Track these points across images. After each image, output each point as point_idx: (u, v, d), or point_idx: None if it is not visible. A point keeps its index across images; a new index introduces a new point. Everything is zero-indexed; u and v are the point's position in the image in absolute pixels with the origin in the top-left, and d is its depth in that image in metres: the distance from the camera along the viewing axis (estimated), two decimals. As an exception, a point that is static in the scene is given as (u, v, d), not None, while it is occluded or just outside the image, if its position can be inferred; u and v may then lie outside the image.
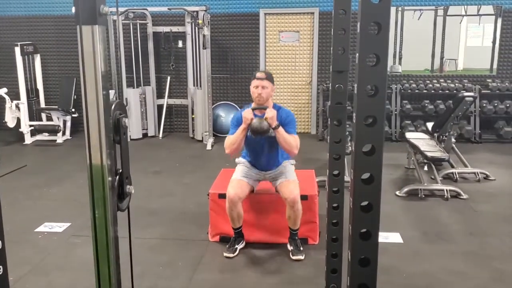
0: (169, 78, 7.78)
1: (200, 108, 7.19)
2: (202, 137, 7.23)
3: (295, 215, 3.51)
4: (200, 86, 7.19)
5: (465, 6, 8.01)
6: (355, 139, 1.29)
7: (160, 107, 7.77)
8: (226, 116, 7.77)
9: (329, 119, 2.22)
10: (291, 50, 7.73)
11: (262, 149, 3.62)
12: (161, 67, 7.82)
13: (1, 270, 1.43)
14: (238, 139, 3.49)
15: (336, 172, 2.23)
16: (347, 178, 3.64)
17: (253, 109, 3.53)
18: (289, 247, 3.62)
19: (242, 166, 3.72)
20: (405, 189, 4.88)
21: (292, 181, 3.56)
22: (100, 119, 1.04)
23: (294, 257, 3.53)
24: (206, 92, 7.02)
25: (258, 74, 3.55)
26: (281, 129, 3.42)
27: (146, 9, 7.33)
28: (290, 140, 3.44)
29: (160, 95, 7.85)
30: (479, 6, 7.62)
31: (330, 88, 2.19)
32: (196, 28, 7.03)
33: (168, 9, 7.17)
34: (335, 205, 2.27)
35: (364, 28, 1.23)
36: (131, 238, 1.33)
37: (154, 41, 7.58)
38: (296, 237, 3.63)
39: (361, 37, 1.23)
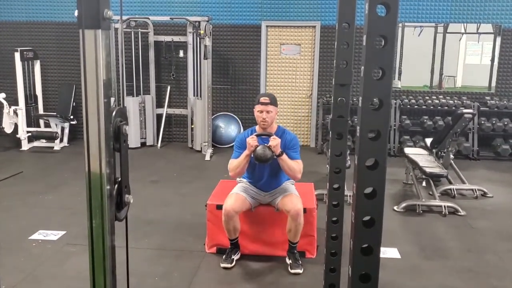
0: (169, 87, 7.78)
1: (199, 118, 7.18)
2: (201, 148, 7.21)
3: (296, 228, 3.49)
4: (200, 96, 7.19)
5: (465, 24, 8.07)
6: (359, 153, 1.28)
7: (159, 116, 7.76)
8: (225, 127, 7.76)
9: (330, 132, 2.21)
10: (292, 63, 7.76)
11: (264, 174, 3.64)
12: (161, 76, 7.83)
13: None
14: (241, 164, 3.52)
15: (336, 185, 2.22)
16: (346, 192, 3.62)
17: (257, 135, 3.54)
18: (288, 261, 3.59)
19: (243, 183, 3.73)
20: (403, 205, 4.87)
21: (294, 196, 3.57)
22: (100, 126, 1.02)
23: (292, 271, 3.50)
24: (206, 102, 7.02)
25: (262, 99, 3.54)
26: (284, 156, 3.45)
27: (148, 18, 7.35)
28: (294, 166, 3.48)
29: (159, 104, 7.84)
30: (478, 24, 7.67)
31: (332, 101, 2.19)
32: (198, 38, 7.05)
33: (170, 18, 7.19)
34: (334, 219, 2.25)
35: (370, 41, 1.23)
36: (128, 248, 1.30)
37: (155, 50, 7.59)
38: (295, 251, 3.60)
39: (366, 50, 1.22)
